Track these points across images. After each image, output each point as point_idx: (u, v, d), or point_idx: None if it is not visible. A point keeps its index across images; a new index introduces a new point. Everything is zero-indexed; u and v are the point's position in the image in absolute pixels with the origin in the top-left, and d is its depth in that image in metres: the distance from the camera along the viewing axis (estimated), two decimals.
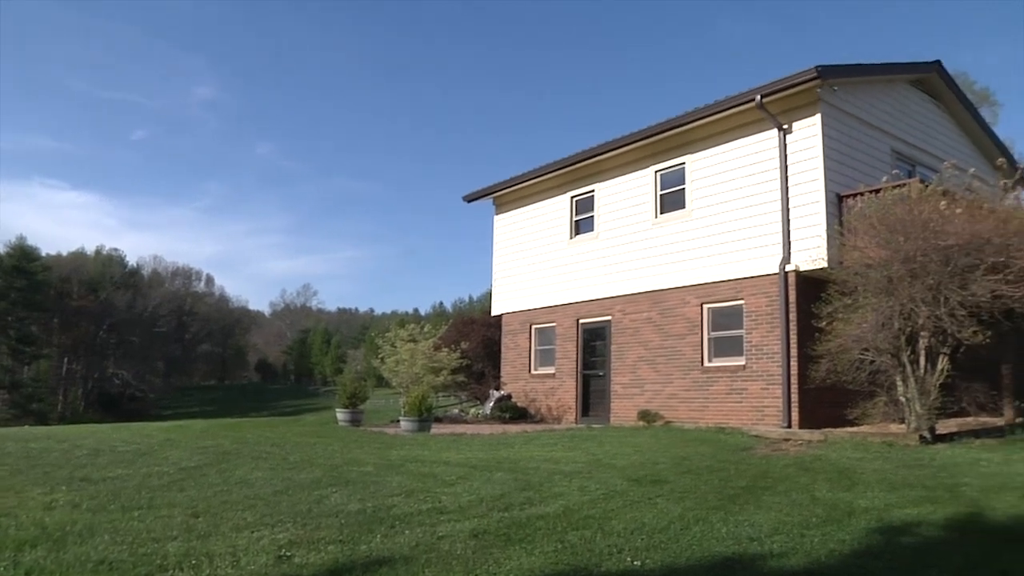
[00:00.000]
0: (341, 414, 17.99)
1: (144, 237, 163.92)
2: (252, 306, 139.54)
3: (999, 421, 14.20)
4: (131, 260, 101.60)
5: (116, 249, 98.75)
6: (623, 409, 17.86)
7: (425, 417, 16.28)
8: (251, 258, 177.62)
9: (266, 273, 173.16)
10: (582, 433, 14.59)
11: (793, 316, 14.64)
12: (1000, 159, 16.44)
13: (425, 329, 21.08)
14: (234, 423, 19.71)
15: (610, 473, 9.15)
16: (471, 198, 23.47)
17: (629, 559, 5.34)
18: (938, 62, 18.39)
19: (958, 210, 12.01)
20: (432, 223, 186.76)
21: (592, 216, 19.71)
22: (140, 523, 6.26)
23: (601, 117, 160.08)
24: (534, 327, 21.27)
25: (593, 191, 19.70)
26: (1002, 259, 11.42)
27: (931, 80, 18.58)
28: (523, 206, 22.09)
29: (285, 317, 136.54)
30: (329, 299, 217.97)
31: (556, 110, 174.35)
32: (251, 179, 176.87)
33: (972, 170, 13.99)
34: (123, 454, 10.69)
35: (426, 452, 11.53)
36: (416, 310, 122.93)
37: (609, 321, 18.80)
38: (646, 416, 16.56)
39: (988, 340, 11.59)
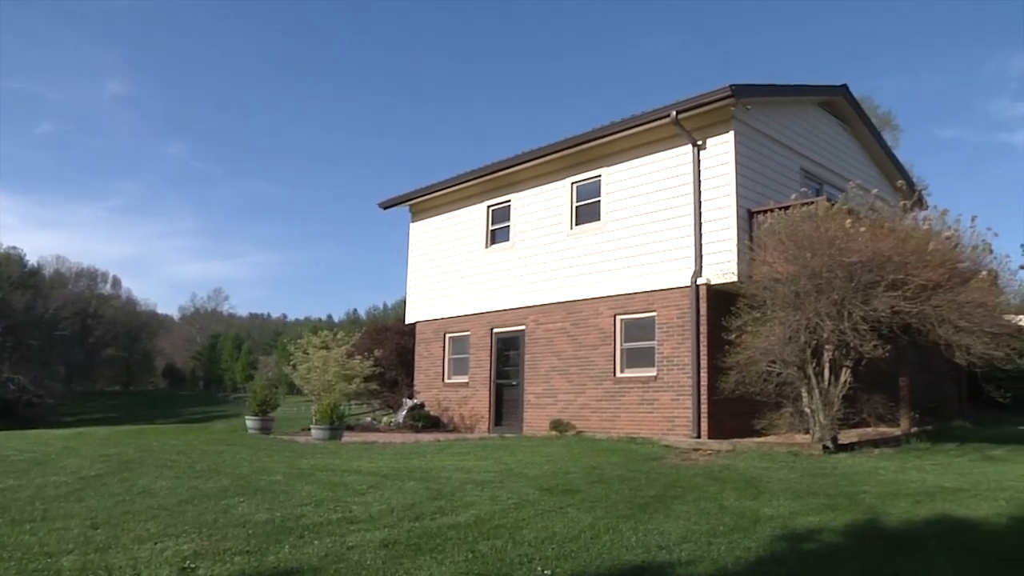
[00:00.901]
0: (251, 421, 17.62)
1: (48, 236, 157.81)
2: (161, 310, 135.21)
3: (896, 431, 14.76)
4: (31, 259, 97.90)
5: (15, 247, 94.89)
6: (536, 419, 17.93)
7: (337, 425, 16.08)
8: (161, 261, 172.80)
9: (177, 276, 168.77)
10: (494, 442, 14.59)
11: (704, 328, 14.90)
12: (900, 181, 17.06)
13: (338, 336, 20.85)
14: (139, 430, 19.17)
15: (522, 482, 9.15)
16: (387, 205, 23.30)
17: (540, 568, 5.36)
18: (845, 86, 19.06)
19: (862, 229, 12.41)
20: (348, 229, 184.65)
21: (508, 226, 19.77)
22: (32, 537, 6.01)
23: (522, 128, 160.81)
24: (448, 336, 21.22)
25: (510, 201, 19.77)
26: (901, 276, 11.85)
27: (838, 103, 19.24)
28: (439, 214, 22.02)
29: (195, 322, 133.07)
30: (241, 304, 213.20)
31: (477, 120, 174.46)
32: (164, 179, 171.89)
33: (875, 191, 14.48)
34: (16, 464, 10.28)
35: (337, 461, 11.38)
36: (330, 316, 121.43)
37: (523, 331, 18.87)
38: (558, 426, 16.66)
39: (887, 354, 12.04)
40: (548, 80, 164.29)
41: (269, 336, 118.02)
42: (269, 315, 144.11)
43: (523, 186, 19.38)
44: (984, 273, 13.32)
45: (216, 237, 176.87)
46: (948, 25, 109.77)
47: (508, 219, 19.80)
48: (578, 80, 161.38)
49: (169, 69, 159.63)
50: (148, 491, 8.19)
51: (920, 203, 15.97)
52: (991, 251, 13.43)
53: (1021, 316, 19.07)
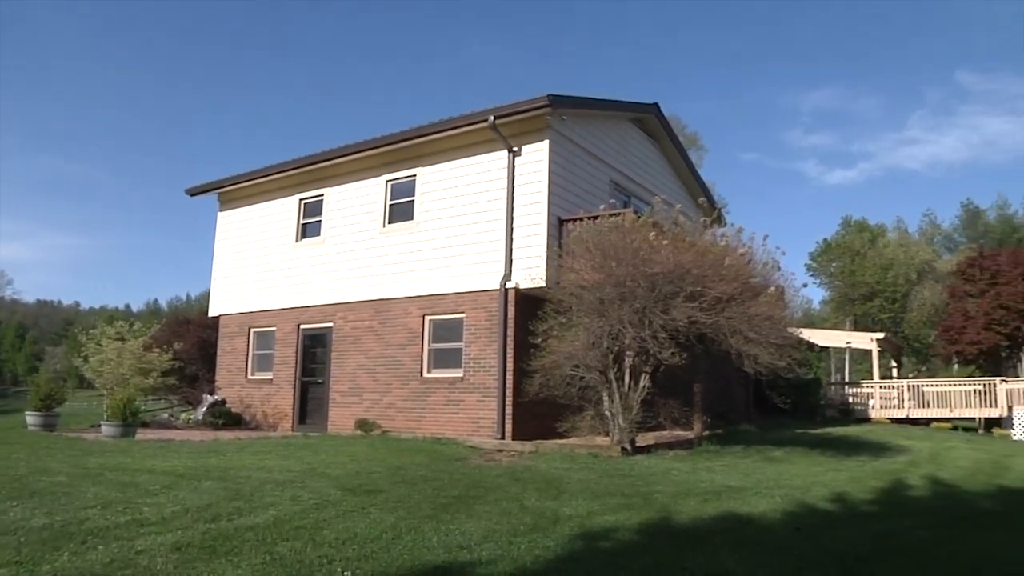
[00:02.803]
0: (32, 418, 16.38)
1: None
2: None
3: (690, 434, 15.52)
4: None
5: None
6: (341, 417, 17.65)
7: (130, 422, 15.19)
8: None
9: None
10: (298, 441, 14.26)
11: (511, 332, 15.12)
12: (702, 198, 18.02)
13: (135, 327, 19.79)
14: None
15: (324, 482, 8.98)
16: (195, 192, 22.27)
17: (340, 570, 5.26)
18: (656, 105, 19.89)
19: (665, 241, 12.96)
20: (152, 216, 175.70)
21: (320, 220, 19.37)
22: None
23: (346, 127, 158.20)
24: (253, 330, 20.55)
25: (323, 195, 19.38)
26: (699, 288, 12.46)
27: (649, 120, 20.06)
28: (249, 204, 21.29)
29: None
30: (28, 289, 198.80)
31: (295, 115, 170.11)
32: None
33: (679, 206, 15.14)
34: None
35: (129, 460, 10.73)
36: (128, 306, 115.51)
37: (331, 328, 18.54)
38: (364, 425, 16.47)
39: (684, 361, 12.66)
40: (373, 80, 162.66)
41: (59, 325, 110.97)
42: (60, 302, 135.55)
43: (337, 181, 19.05)
44: (772, 288, 14.28)
45: (2, 215, 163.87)
46: (751, 58, 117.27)
47: (320, 213, 19.40)
48: (402, 81, 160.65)
49: None
50: None
51: (719, 220, 16.86)
52: (779, 268, 14.46)
53: (802, 329, 20.56)
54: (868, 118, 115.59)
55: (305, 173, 19.51)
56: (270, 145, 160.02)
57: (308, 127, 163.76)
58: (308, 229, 19.76)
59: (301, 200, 19.92)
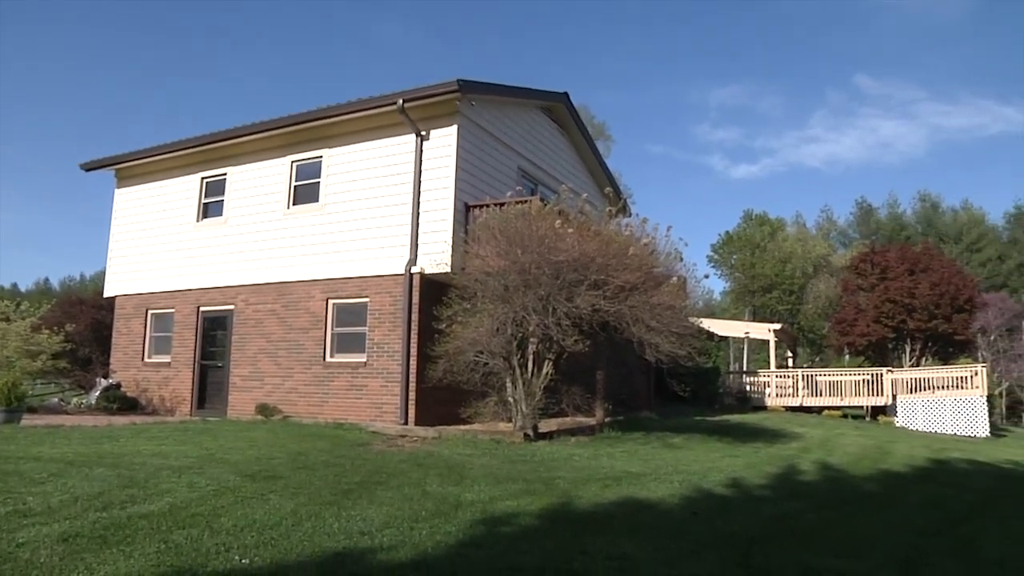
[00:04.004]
0: None
1: None
2: None
3: (592, 421, 15.72)
4: None
5: None
6: (241, 402, 17.32)
7: (15, 407, 14.50)
8: None
9: None
10: (196, 426, 13.92)
11: (415, 317, 15.06)
12: (608, 188, 18.25)
13: (22, 307, 19.02)
14: None
15: (223, 468, 8.79)
16: (90, 167, 21.41)
17: (237, 557, 5.16)
18: (566, 94, 20.03)
19: (570, 230, 13.09)
20: (43, 191, 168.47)
21: (222, 200, 18.89)
22: None
23: (252, 109, 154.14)
24: (151, 312, 19.93)
25: (225, 175, 18.90)
26: (603, 277, 12.63)
27: (558, 109, 20.18)
28: (149, 182, 20.60)
29: None
30: None
31: (200, 97, 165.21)
32: None
33: (585, 195, 15.30)
34: None
35: (12, 447, 10.25)
36: (15, 285, 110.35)
37: (232, 311, 18.14)
38: (265, 410, 16.21)
39: (587, 348, 12.82)
40: (281, 60, 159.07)
41: None
42: None
43: (241, 160, 18.60)
44: (675, 279, 14.58)
45: None
46: (661, 53, 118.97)
47: (223, 193, 18.92)
48: (310, 63, 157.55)
49: None
50: None
51: (625, 210, 17.12)
52: (682, 259, 14.78)
53: (703, 319, 21.04)
54: (772, 116, 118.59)
55: (207, 151, 19.00)
56: (173, 126, 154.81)
57: (213, 107, 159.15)
58: (210, 209, 19.26)
59: (203, 179, 19.38)
